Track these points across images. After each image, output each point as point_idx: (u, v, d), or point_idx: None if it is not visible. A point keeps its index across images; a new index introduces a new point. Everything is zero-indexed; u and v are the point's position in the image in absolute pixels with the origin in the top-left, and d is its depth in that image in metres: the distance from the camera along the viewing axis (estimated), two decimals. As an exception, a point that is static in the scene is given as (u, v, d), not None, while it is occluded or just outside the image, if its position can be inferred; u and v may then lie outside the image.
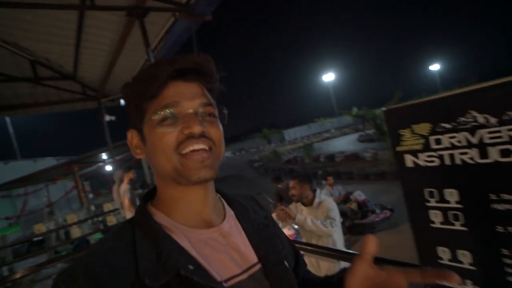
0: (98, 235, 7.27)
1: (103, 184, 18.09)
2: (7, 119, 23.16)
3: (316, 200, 2.68)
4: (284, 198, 4.69)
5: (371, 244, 0.56)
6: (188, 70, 0.57)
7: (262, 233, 0.65)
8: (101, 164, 8.94)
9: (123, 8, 2.83)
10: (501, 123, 0.75)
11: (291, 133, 56.81)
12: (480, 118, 0.78)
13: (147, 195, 0.63)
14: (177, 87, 0.56)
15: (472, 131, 0.81)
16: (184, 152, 0.53)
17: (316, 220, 2.46)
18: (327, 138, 34.66)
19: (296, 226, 4.48)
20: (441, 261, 0.97)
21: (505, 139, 0.75)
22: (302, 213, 2.73)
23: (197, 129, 0.53)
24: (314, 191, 2.74)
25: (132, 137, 0.61)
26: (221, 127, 0.60)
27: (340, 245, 2.57)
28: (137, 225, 0.55)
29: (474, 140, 0.81)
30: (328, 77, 63.41)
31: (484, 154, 0.80)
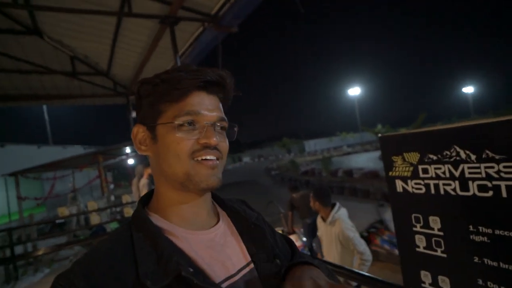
0: (114, 224, 7.60)
1: (124, 176, 18.83)
2: (44, 107, 24.79)
3: (330, 218, 2.67)
4: (296, 208, 4.71)
5: None
6: (214, 83, 0.59)
7: (253, 234, 0.67)
8: (124, 157, 9.36)
9: (157, 17, 3.05)
10: (480, 160, 0.80)
11: (311, 144, 56.26)
12: (462, 154, 0.84)
13: (144, 199, 0.64)
14: (200, 97, 0.58)
15: (455, 164, 0.86)
16: (197, 159, 0.56)
17: (357, 262, 2.52)
18: (348, 153, 34.02)
19: (304, 239, 4.50)
20: (423, 285, 1.02)
21: (483, 175, 0.80)
22: (320, 227, 2.79)
23: (214, 142, 0.56)
24: (332, 206, 2.72)
25: (138, 132, 0.61)
26: (227, 141, 0.62)
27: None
28: (136, 228, 0.55)
29: (456, 173, 0.86)
30: (354, 91, 62.42)
31: (464, 187, 0.85)
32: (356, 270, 1.40)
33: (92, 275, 0.47)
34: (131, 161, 11.45)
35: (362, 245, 2.47)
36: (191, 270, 0.50)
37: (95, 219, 6.66)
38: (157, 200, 0.61)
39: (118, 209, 8.46)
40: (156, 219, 0.58)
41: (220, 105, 0.62)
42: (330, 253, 2.65)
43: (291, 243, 0.79)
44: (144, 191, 4.99)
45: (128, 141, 6.87)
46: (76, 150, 18.36)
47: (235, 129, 0.65)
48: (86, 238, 6.49)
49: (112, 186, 12.60)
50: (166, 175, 0.58)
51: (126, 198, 7.37)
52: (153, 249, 0.51)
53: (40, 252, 5.35)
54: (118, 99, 6.28)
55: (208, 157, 0.56)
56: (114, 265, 0.49)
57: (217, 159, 0.58)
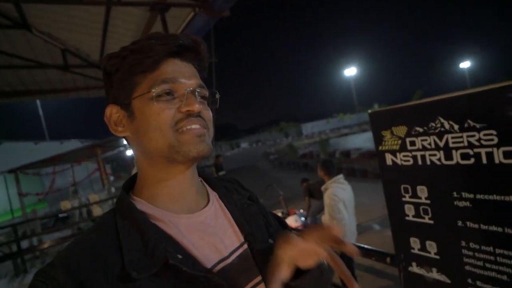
0: (117, 215, 7.72)
1: (123, 167, 18.89)
2: (38, 102, 24.50)
3: (324, 185, 2.97)
4: (313, 195, 4.86)
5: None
6: (187, 48, 0.55)
7: (246, 213, 0.65)
8: (122, 148, 9.38)
9: (147, 4, 3.00)
10: (462, 129, 0.85)
11: (308, 127, 56.29)
12: (446, 124, 0.89)
13: (127, 184, 0.60)
14: (175, 65, 0.54)
15: (440, 135, 0.91)
16: (181, 130, 0.52)
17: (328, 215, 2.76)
18: (345, 134, 34.15)
19: (302, 218, 4.63)
20: (413, 251, 1.09)
21: (465, 144, 0.85)
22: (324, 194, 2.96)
23: (196, 108, 0.52)
24: (330, 177, 2.96)
25: (112, 113, 0.56)
26: (210, 110, 0.59)
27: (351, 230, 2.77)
28: (120, 215, 0.52)
29: (441, 143, 0.91)
30: (350, 71, 61.88)
31: (448, 157, 0.90)
32: (359, 245, 1.48)
33: (74, 268, 0.44)
34: (129, 152, 11.49)
35: (339, 213, 2.64)
36: (180, 256, 0.48)
37: (97, 211, 6.77)
38: (141, 184, 0.57)
39: (119, 200, 8.55)
40: (141, 204, 0.54)
41: (197, 72, 0.58)
42: (325, 221, 2.87)
43: (282, 222, 0.78)
44: None
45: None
46: (73, 144, 18.31)
47: (217, 96, 0.61)
48: (91, 230, 6.59)
49: (112, 178, 12.67)
50: (149, 151, 0.53)
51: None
52: (139, 237, 0.48)
53: (46, 245, 5.47)
54: (112, 91, 6.23)
55: (193, 126, 0.52)
56: (98, 256, 0.46)
57: (203, 128, 0.54)
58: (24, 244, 6.27)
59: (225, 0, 3.07)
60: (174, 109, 0.52)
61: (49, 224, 8.78)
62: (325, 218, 2.85)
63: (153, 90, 0.51)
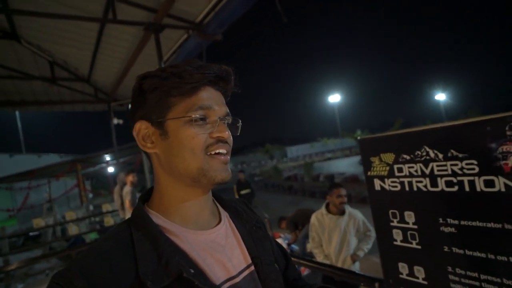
0: (94, 235, 7.34)
1: (103, 184, 18.21)
2: (17, 113, 23.69)
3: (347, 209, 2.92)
4: (297, 226, 4.87)
5: None
6: (221, 78, 0.60)
7: (254, 235, 0.66)
8: (104, 165, 9.10)
9: (142, 24, 3.06)
10: (446, 158, 0.90)
11: (293, 150, 56.87)
12: (431, 153, 0.94)
13: (143, 197, 0.63)
14: (209, 92, 0.58)
15: (425, 163, 0.96)
16: (209, 153, 0.56)
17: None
18: (329, 159, 34.68)
19: (286, 241, 4.61)
20: (401, 276, 1.10)
21: (449, 172, 0.90)
22: (324, 221, 2.89)
23: (227, 135, 0.57)
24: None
25: (141, 128, 0.58)
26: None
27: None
28: (135, 227, 0.54)
29: (427, 171, 0.96)
30: (334, 98, 64.09)
31: (434, 183, 0.95)
32: (340, 267, 1.47)
33: (91, 274, 0.45)
34: (111, 169, 11.14)
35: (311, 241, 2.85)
36: (193, 271, 0.49)
37: (73, 230, 6.41)
38: (159, 199, 0.59)
39: (97, 218, 8.20)
40: (157, 218, 0.56)
41: (224, 101, 0.63)
42: (343, 244, 2.74)
43: (284, 251, 0.80)
44: (127, 199, 4.88)
45: (109, 148, 6.72)
46: (52, 158, 17.60)
47: (238, 124, 0.64)
48: (63, 250, 6.22)
49: (90, 195, 12.15)
50: (178, 171, 0.56)
51: (106, 207, 7.16)
52: (154, 249, 0.50)
53: (12, 267, 5.06)
54: (98, 106, 6.15)
55: (221, 151, 0.56)
56: (114, 264, 0.47)
57: (228, 153, 0.59)
58: (-12, 264, 5.81)
59: (218, 25, 3.18)
60: (206, 135, 0.56)
61: (18, 243, 8.22)
62: (352, 239, 2.79)
63: (191, 115, 0.55)
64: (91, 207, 8.97)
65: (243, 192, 7.23)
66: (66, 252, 5.92)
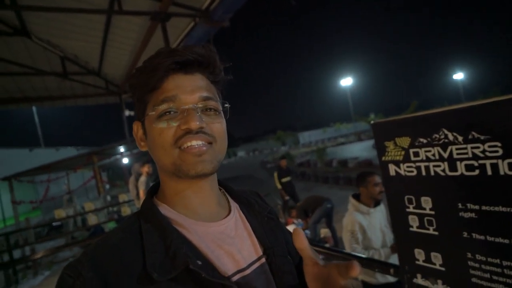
0: (112, 224, 7.61)
1: (119, 175, 18.72)
2: (34, 109, 24.39)
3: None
4: (307, 213, 4.86)
5: (298, 238, 0.53)
6: (189, 62, 0.55)
7: (266, 227, 0.64)
8: (118, 156, 9.31)
9: (147, 13, 3.03)
10: (466, 141, 0.85)
11: (306, 136, 56.51)
12: (450, 136, 0.89)
13: (152, 189, 0.63)
14: (177, 80, 0.54)
15: (444, 146, 0.91)
16: (182, 147, 0.53)
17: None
18: (342, 143, 34.24)
19: (299, 227, 4.63)
20: (417, 262, 1.08)
21: (470, 155, 0.85)
22: (365, 215, 2.53)
23: (194, 125, 0.51)
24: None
25: (138, 129, 0.60)
26: (223, 121, 0.58)
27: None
28: (144, 218, 0.54)
29: (445, 154, 0.92)
30: (346, 81, 62.69)
31: (453, 168, 0.90)
32: (357, 254, 1.46)
33: (100, 266, 0.46)
34: (125, 160, 11.40)
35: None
36: (200, 263, 0.49)
37: (92, 220, 6.67)
38: (163, 191, 0.59)
39: (115, 208, 8.48)
40: (165, 209, 0.56)
41: (207, 83, 0.58)
42: (379, 238, 2.45)
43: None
44: (141, 189, 5.00)
45: (122, 140, 6.85)
46: (69, 151, 18.16)
47: (226, 105, 0.60)
48: (85, 239, 6.50)
49: (107, 186, 12.52)
50: (160, 166, 0.57)
51: (122, 197, 7.38)
52: (162, 240, 0.50)
53: (39, 255, 5.35)
54: (110, 98, 6.23)
55: (193, 143, 0.52)
56: (122, 256, 0.48)
57: (209, 143, 0.54)
58: (17, 253, 6.14)
59: (225, 11, 3.11)
60: (174, 127, 0.53)
61: (43, 233, 8.62)
62: (388, 231, 2.54)
63: (152, 112, 0.54)
64: (108, 198, 9.27)
65: (284, 180, 6.55)
66: (87, 241, 6.22)
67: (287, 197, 6.59)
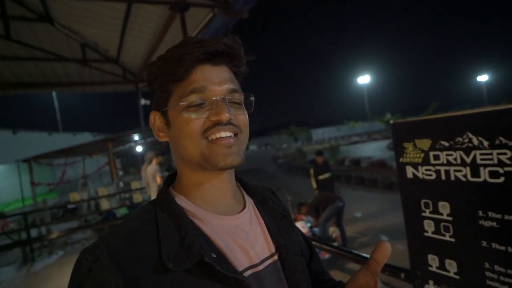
0: (124, 210, 7.80)
1: (132, 163, 19.14)
2: (54, 94, 25.13)
3: None
4: (318, 210, 4.81)
5: (383, 252, 0.53)
6: (217, 53, 0.55)
7: (280, 224, 0.64)
8: (133, 144, 9.49)
9: (167, 3, 3.04)
10: (493, 146, 0.81)
11: (319, 133, 56.00)
12: (475, 140, 0.85)
13: (168, 179, 0.62)
14: (205, 71, 0.54)
15: (467, 151, 0.87)
16: (211, 138, 0.52)
17: None
18: (356, 142, 33.74)
19: (309, 224, 4.59)
20: (430, 268, 1.05)
21: (495, 161, 0.81)
22: None
23: (224, 117, 0.51)
24: None
25: (155, 119, 0.59)
26: (246, 113, 0.58)
27: None
28: (160, 208, 0.54)
29: (468, 159, 0.87)
30: (364, 79, 61.44)
31: (475, 173, 0.86)
32: (364, 255, 1.44)
33: (116, 253, 0.46)
34: (139, 148, 11.62)
35: None
36: (214, 256, 0.49)
37: (105, 205, 6.86)
38: (180, 182, 0.59)
39: (127, 195, 8.68)
40: (181, 200, 0.56)
41: (231, 75, 0.58)
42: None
43: (309, 242, 0.76)
44: (150, 179, 5.11)
45: (137, 128, 6.97)
46: (86, 137, 18.68)
47: (251, 98, 0.60)
48: (97, 223, 6.69)
49: (121, 172, 12.83)
50: (183, 157, 0.56)
51: (134, 185, 7.54)
52: (177, 231, 0.50)
53: (54, 236, 5.57)
54: (127, 86, 6.34)
55: (222, 135, 0.52)
56: (139, 245, 0.48)
57: (235, 134, 0.54)
58: (33, 233, 6.40)
59: (245, 2, 3.08)
60: (203, 119, 0.53)
61: (58, 215, 8.93)
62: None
63: (184, 101, 0.53)
64: (121, 184, 9.49)
65: (321, 177, 5.69)
66: (99, 225, 6.42)
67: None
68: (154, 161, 5.24)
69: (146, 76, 0.59)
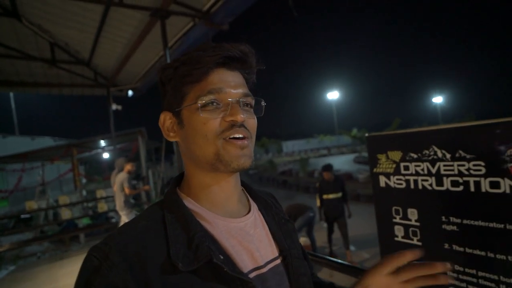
0: (86, 220, 7.32)
1: (97, 170, 18.09)
2: (11, 94, 23.29)
3: None
4: (292, 218, 4.85)
5: (408, 256, 0.56)
6: (235, 58, 0.57)
7: (283, 228, 0.66)
8: (100, 150, 9.03)
9: (148, 9, 3.02)
10: (454, 158, 0.92)
11: (289, 145, 57.02)
12: (439, 153, 0.96)
13: (176, 180, 0.63)
14: (222, 74, 0.56)
15: (433, 162, 0.98)
16: (227, 138, 0.54)
17: None
18: (324, 155, 34.82)
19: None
20: (399, 271, 1.14)
21: (456, 172, 0.92)
22: None
23: (240, 118, 0.53)
24: None
25: (165, 119, 0.60)
26: (256, 118, 0.60)
27: None
28: (167, 209, 0.55)
29: (433, 170, 0.99)
30: (333, 95, 64.18)
31: (440, 183, 0.97)
32: (336, 260, 1.50)
33: (126, 251, 0.47)
34: (106, 155, 11.06)
35: None
36: (222, 257, 0.50)
37: (66, 214, 6.40)
38: (188, 184, 0.60)
39: (90, 204, 8.18)
40: (188, 202, 0.57)
41: (244, 81, 0.60)
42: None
43: (303, 249, 0.79)
44: (126, 186, 4.91)
45: (107, 133, 6.68)
46: (46, 141, 17.40)
47: (263, 103, 0.62)
48: (55, 234, 6.22)
49: (84, 180, 12.08)
50: (196, 157, 0.56)
51: (100, 193, 7.14)
52: (185, 232, 0.51)
53: (3, 249, 5.06)
54: (98, 90, 6.07)
55: (237, 135, 0.54)
56: (147, 244, 0.49)
57: (246, 138, 0.55)
58: (-21, 245, 5.77)
59: (226, 15, 3.15)
60: (219, 119, 0.54)
61: (9, 225, 8.15)
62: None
63: (201, 100, 0.54)
64: (84, 193, 8.93)
65: (326, 196, 4.87)
66: (58, 236, 5.95)
67: (323, 221, 5.10)
68: (126, 169, 5.02)
69: (161, 77, 0.60)
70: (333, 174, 4.99)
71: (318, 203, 5.04)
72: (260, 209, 0.66)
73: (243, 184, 0.69)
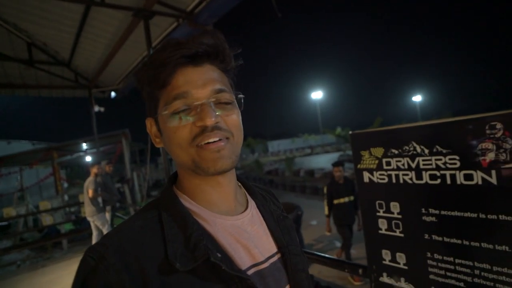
0: (69, 225, 7.12)
1: (78, 174, 17.54)
2: (-16, 96, 22.16)
3: None
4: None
5: None
6: (197, 54, 0.52)
7: (281, 225, 0.65)
8: (81, 153, 8.77)
9: (131, 9, 2.98)
10: (431, 153, 0.98)
11: (275, 145, 57.36)
12: (418, 148, 1.02)
13: (171, 178, 0.62)
14: (186, 75, 0.52)
15: (412, 157, 1.04)
16: (200, 144, 0.51)
17: None
18: (309, 154, 35.22)
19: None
20: (384, 262, 1.19)
21: (433, 166, 0.98)
22: None
23: (209, 121, 0.49)
24: None
25: (151, 125, 0.58)
26: (238, 112, 0.56)
27: None
28: (164, 207, 0.54)
29: (413, 165, 1.04)
30: (317, 94, 65.14)
31: (419, 177, 1.03)
32: (325, 255, 1.55)
33: (123, 251, 0.46)
34: (88, 158, 10.75)
35: None
36: (219, 255, 0.49)
37: (47, 220, 6.20)
38: (182, 183, 0.59)
39: (73, 209, 7.94)
40: (185, 200, 0.56)
41: (219, 74, 0.56)
42: None
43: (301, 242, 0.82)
44: (91, 188, 4.82)
45: (89, 136, 6.50)
46: (23, 145, 16.70)
47: (240, 96, 0.58)
48: (37, 241, 6.00)
49: (65, 184, 11.68)
50: (178, 163, 0.56)
51: (83, 198, 6.96)
52: (182, 231, 0.50)
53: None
54: (79, 92, 5.90)
55: (209, 141, 0.50)
56: (144, 244, 0.48)
57: (226, 138, 0.52)
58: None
59: (210, 15, 3.15)
60: (190, 125, 0.51)
61: (-15, 233, 7.79)
62: None
63: (165, 111, 0.51)
64: (66, 197, 8.66)
65: (338, 201, 4.12)
66: (40, 242, 5.75)
67: (329, 232, 4.42)
68: (92, 172, 4.94)
69: (136, 83, 0.58)
70: (344, 172, 4.27)
71: (326, 210, 4.25)
72: (258, 206, 0.65)
73: (241, 180, 0.68)
